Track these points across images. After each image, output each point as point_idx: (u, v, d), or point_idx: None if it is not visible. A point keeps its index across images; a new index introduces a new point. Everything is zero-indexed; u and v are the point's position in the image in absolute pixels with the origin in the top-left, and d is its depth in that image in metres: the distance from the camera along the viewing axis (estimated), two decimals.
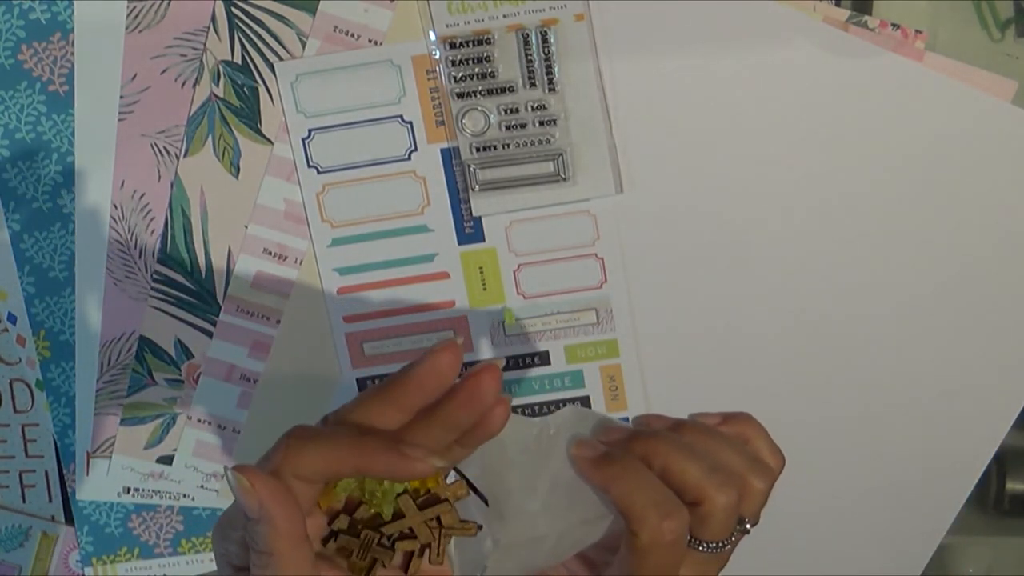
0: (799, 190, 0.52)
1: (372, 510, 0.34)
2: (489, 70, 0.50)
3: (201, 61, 0.52)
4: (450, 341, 0.33)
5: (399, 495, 0.33)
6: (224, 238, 0.54)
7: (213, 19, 0.51)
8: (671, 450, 0.34)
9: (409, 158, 0.52)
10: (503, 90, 0.50)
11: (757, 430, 0.38)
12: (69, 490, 0.58)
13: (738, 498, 0.34)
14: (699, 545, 0.35)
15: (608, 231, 0.53)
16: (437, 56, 0.50)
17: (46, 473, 0.58)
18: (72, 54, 0.52)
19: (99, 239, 0.54)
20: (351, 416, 0.33)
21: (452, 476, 0.35)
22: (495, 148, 0.51)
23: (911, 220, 0.52)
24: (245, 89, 0.52)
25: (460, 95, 0.51)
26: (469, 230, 0.53)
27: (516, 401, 0.55)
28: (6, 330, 0.56)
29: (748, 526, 0.36)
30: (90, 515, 0.58)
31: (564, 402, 0.55)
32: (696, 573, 0.35)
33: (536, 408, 0.55)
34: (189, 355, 0.55)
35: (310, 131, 0.52)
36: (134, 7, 0.51)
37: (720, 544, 0.35)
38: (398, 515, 0.34)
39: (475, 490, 0.35)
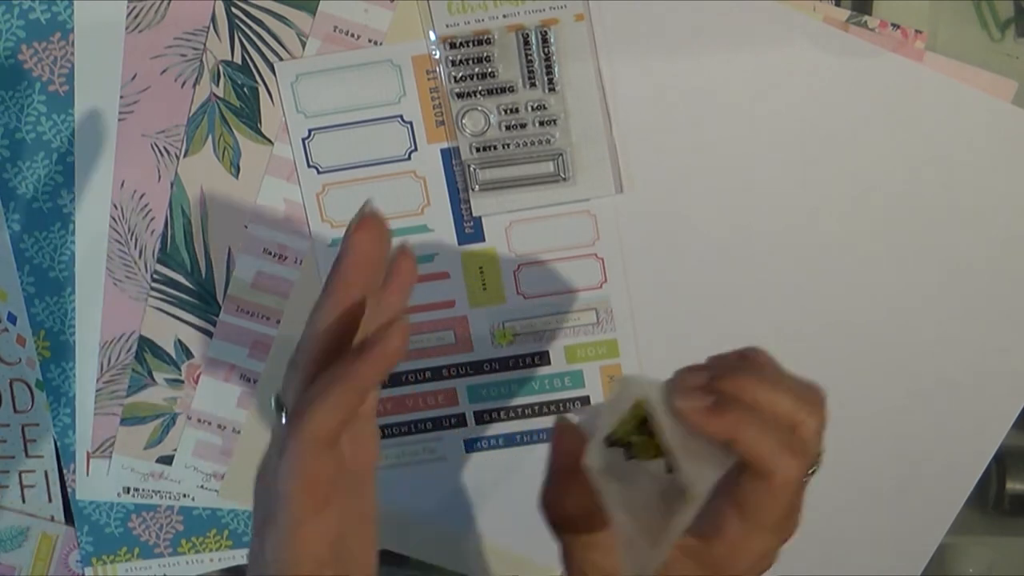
0: (798, 190, 0.52)
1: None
2: (489, 70, 0.50)
3: (201, 61, 0.52)
4: (364, 217, 0.34)
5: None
6: (224, 238, 0.54)
7: (213, 19, 0.51)
8: (758, 385, 0.33)
9: (409, 158, 0.52)
10: (503, 90, 0.50)
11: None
12: (69, 490, 0.58)
13: (823, 420, 0.34)
14: None
15: (608, 231, 0.53)
16: (437, 56, 0.50)
17: (46, 473, 0.58)
18: (72, 54, 0.52)
19: (99, 239, 0.54)
20: (314, 347, 0.35)
21: None
22: (495, 148, 0.51)
23: (911, 220, 0.52)
24: (245, 89, 0.52)
25: (460, 95, 0.51)
26: (469, 230, 0.53)
27: (516, 401, 0.55)
28: (6, 330, 0.56)
29: (822, 457, 0.36)
30: (90, 515, 0.58)
31: (564, 402, 0.55)
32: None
33: (536, 408, 0.55)
34: (189, 355, 0.55)
35: (310, 131, 0.52)
36: (134, 7, 0.51)
37: (811, 472, 0.34)
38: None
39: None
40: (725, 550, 0.34)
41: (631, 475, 0.34)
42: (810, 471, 0.34)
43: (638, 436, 0.35)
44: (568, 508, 0.36)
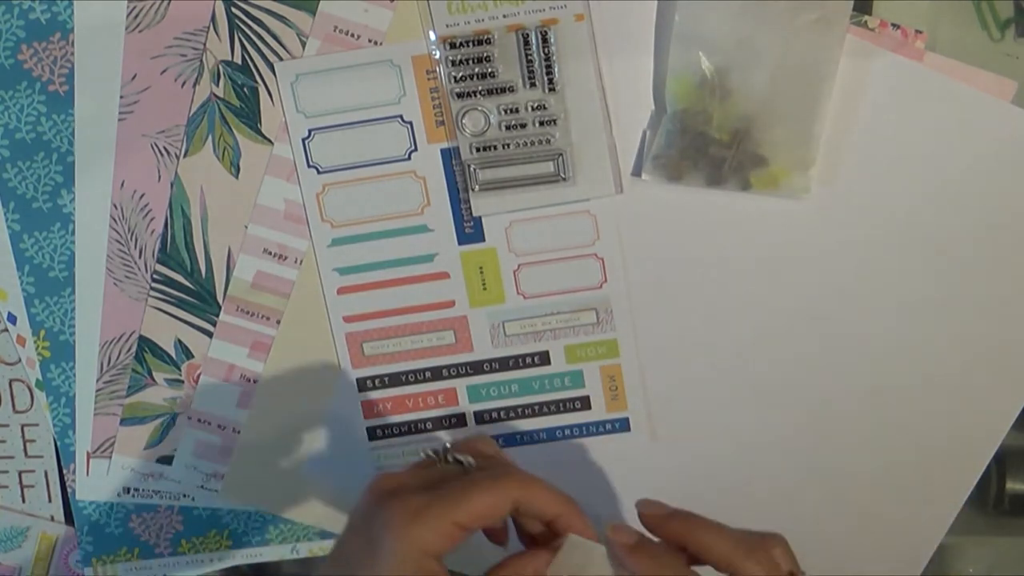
0: None
1: None
2: (489, 70, 0.50)
3: (201, 61, 0.52)
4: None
5: None
6: (224, 238, 0.54)
7: (213, 19, 0.51)
8: (700, 528, 0.38)
9: (409, 158, 0.52)
10: (503, 90, 0.50)
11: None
12: (69, 490, 0.58)
13: (766, 566, 0.37)
14: None
15: (608, 231, 0.53)
16: (437, 56, 0.50)
17: (46, 473, 0.58)
18: (72, 54, 0.52)
19: (99, 239, 0.54)
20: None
21: None
22: (495, 148, 0.51)
23: (911, 220, 0.52)
24: (245, 89, 0.52)
25: (460, 95, 0.51)
26: (469, 230, 0.53)
27: (516, 401, 0.55)
28: (6, 330, 0.56)
29: None
30: (90, 515, 0.58)
31: (564, 402, 0.55)
32: None
33: (536, 408, 0.55)
34: (189, 355, 0.55)
35: (310, 131, 0.52)
36: (134, 7, 0.51)
37: None
38: None
39: None
40: None
41: None
42: None
43: None
44: None
